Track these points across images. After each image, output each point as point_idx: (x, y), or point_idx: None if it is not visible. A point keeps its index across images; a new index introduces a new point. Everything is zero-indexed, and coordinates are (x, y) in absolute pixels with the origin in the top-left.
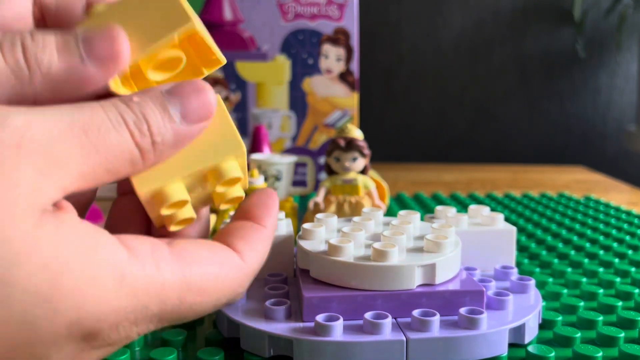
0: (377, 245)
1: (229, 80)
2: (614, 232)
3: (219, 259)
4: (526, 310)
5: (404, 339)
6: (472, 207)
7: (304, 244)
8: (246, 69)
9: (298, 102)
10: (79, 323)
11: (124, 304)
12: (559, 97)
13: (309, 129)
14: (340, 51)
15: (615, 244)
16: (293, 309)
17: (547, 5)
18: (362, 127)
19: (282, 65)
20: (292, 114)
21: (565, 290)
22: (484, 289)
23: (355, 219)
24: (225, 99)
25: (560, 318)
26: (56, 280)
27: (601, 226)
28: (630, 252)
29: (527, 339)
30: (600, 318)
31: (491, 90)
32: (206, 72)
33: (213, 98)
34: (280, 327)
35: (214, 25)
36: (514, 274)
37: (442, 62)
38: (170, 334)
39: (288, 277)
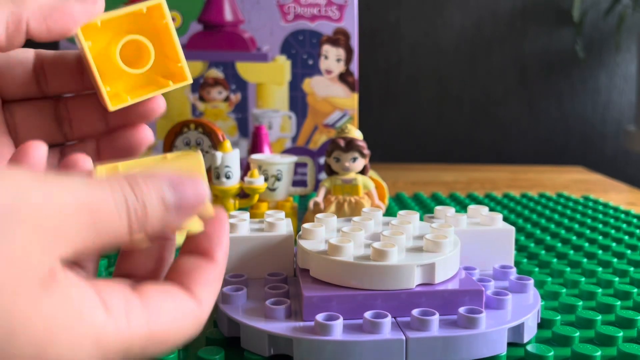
0: (376, 244)
1: (229, 81)
2: (612, 232)
3: (182, 311)
4: (525, 310)
5: (404, 338)
6: (472, 207)
7: (304, 243)
8: (246, 69)
9: (298, 102)
10: None
11: None
12: (558, 97)
13: (309, 129)
14: (340, 52)
15: (614, 244)
16: (293, 309)
17: (547, 5)
18: (362, 127)
19: (282, 65)
20: (292, 115)
21: (564, 290)
22: (483, 289)
23: (355, 218)
24: (226, 100)
25: (559, 317)
26: (44, 353)
27: (600, 226)
28: (629, 251)
29: (526, 338)
30: (599, 317)
31: (490, 90)
32: (172, 85)
33: (206, 193)
34: (280, 327)
35: (215, 26)
36: (513, 273)
37: (441, 62)
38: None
39: (288, 276)
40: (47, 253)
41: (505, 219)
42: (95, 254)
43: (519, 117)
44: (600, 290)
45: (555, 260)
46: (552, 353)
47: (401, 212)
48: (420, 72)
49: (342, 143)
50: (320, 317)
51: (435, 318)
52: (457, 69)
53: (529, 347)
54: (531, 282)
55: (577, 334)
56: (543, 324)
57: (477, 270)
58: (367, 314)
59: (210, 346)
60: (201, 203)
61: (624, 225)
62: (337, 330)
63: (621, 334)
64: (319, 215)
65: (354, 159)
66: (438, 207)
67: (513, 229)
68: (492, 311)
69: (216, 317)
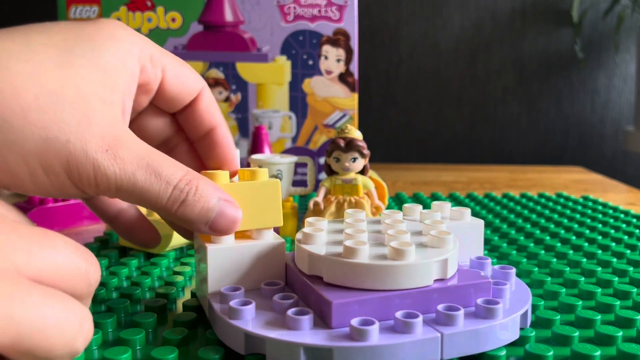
0: (394, 244)
1: (229, 81)
2: (612, 232)
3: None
4: (522, 297)
5: (439, 335)
6: (436, 204)
7: (312, 249)
8: (247, 69)
9: (298, 102)
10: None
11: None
12: (557, 97)
13: (309, 129)
14: (340, 52)
15: (613, 244)
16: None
17: (546, 6)
18: (362, 127)
19: (283, 66)
20: (292, 115)
21: (563, 290)
22: (491, 281)
23: (347, 220)
24: (226, 100)
25: (558, 317)
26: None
27: (599, 226)
28: (628, 251)
29: (528, 323)
30: (599, 317)
31: (490, 90)
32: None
33: (239, 217)
34: (313, 337)
35: (215, 27)
36: (489, 264)
37: (441, 63)
38: (170, 333)
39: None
40: None
41: (505, 219)
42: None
43: (518, 118)
44: (599, 290)
45: (554, 260)
46: (551, 353)
47: (386, 212)
48: (420, 72)
49: (342, 143)
50: (355, 322)
51: (461, 313)
52: (457, 69)
53: (529, 347)
54: (513, 270)
55: (577, 333)
56: (543, 324)
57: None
58: (399, 314)
59: (210, 346)
60: (228, 232)
61: (623, 225)
62: (374, 334)
63: (621, 333)
64: (309, 220)
65: (354, 159)
66: (406, 205)
67: (481, 222)
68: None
69: (220, 333)
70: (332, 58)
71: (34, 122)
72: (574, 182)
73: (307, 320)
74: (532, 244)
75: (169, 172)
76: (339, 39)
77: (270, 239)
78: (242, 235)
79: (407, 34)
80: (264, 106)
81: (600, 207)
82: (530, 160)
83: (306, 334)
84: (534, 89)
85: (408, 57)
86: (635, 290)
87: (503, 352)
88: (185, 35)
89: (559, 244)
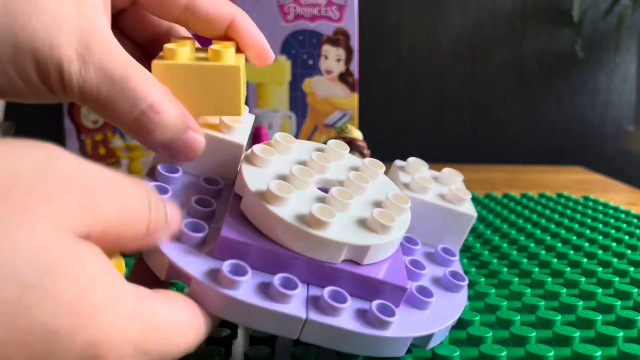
0: (315, 210)
1: None
2: (612, 232)
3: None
4: (441, 319)
5: (303, 317)
6: (447, 171)
7: (246, 170)
8: (246, 69)
9: (298, 102)
10: (94, 346)
11: (133, 336)
12: (557, 97)
13: (309, 129)
14: (340, 52)
15: (614, 244)
16: (210, 237)
17: (546, 6)
18: (362, 127)
19: (283, 65)
20: (292, 115)
21: (564, 290)
22: (408, 287)
23: (314, 155)
24: None
25: (559, 317)
26: (84, 296)
27: (600, 226)
28: (629, 252)
29: (431, 345)
30: (599, 317)
31: (490, 90)
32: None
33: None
34: (182, 257)
35: None
36: (453, 263)
37: (441, 62)
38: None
39: (225, 187)
40: (84, 217)
41: (506, 219)
42: (114, 244)
43: (518, 118)
44: (600, 290)
45: (555, 260)
46: (552, 353)
47: (367, 161)
48: (420, 72)
49: None
50: (227, 266)
51: (346, 306)
52: (457, 69)
53: (529, 347)
54: (465, 283)
55: (577, 334)
56: (543, 324)
57: (419, 247)
58: (277, 279)
59: (210, 346)
60: (186, 160)
61: (624, 225)
62: (243, 286)
63: (621, 334)
64: (277, 136)
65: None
66: (411, 160)
67: (474, 216)
68: (409, 310)
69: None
70: (332, 58)
71: (5, 29)
72: (575, 182)
73: (194, 237)
74: (532, 244)
75: (140, 93)
76: (339, 38)
77: (234, 136)
78: (210, 124)
79: (408, 34)
80: (264, 106)
81: (600, 207)
82: (531, 160)
83: (181, 251)
84: (534, 89)
85: (408, 57)
86: (636, 290)
87: (504, 353)
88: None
89: (559, 244)
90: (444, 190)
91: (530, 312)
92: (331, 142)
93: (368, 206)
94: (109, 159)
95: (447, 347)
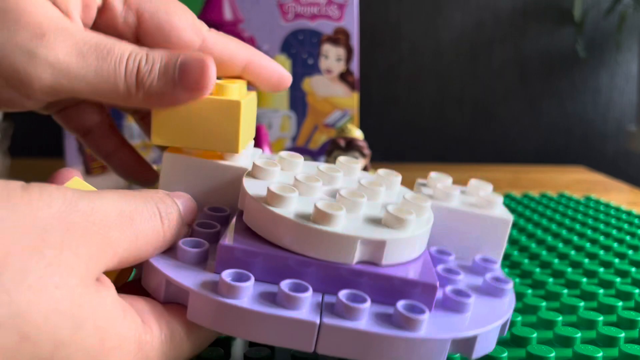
0: (320, 204)
1: None
2: (614, 232)
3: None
4: (485, 320)
5: (317, 322)
6: (474, 182)
7: (248, 183)
8: None
9: (298, 102)
10: None
11: None
12: (559, 97)
13: (309, 129)
14: (340, 51)
15: (615, 244)
16: (213, 254)
17: (547, 5)
18: (362, 127)
19: (282, 65)
20: (292, 114)
21: (565, 291)
22: (437, 284)
23: (322, 166)
24: None
25: (560, 318)
26: (103, 342)
27: (601, 226)
28: (630, 252)
29: (477, 354)
30: (601, 318)
31: (491, 90)
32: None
33: (207, 62)
34: (181, 273)
35: (214, 25)
36: (494, 270)
37: (442, 62)
38: None
39: (232, 214)
40: (101, 259)
41: None
42: (135, 262)
43: (519, 117)
44: (601, 290)
45: (556, 260)
46: (553, 354)
47: (381, 172)
48: (421, 71)
49: (342, 143)
50: (227, 274)
51: (364, 307)
52: (458, 68)
53: (530, 348)
54: (510, 285)
55: (579, 334)
56: (545, 325)
57: (453, 257)
58: (284, 284)
59: (210, 347)
60: (205, 81)
61: (626, 226)
62: (246, 294)
63: (623, 334)
64: (282, 154)
65: (355, 159)
66: (433, 174)
67: (510, 218)
68: (445, 314)
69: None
70: (332, 57)
71: None
72: (576, 182)
73: (193, 253)
74: (534, 245)
75: (119, 50)
76: (339, 37)
77: (239, 162)
78: (212, 155)
79: (408, 33)
80: (264, 106)
81: (602, 207)
82: (532, 159)
83: (180, 268)
84: (535, 88)
85: (409, 56)
86: (637, 291)
87: (505, 354)
88: None
89: (560, 245)
90: (472, 199)
91: (531, 313)
92: (342, 158)
93: (382, 208)
94: None
95: None
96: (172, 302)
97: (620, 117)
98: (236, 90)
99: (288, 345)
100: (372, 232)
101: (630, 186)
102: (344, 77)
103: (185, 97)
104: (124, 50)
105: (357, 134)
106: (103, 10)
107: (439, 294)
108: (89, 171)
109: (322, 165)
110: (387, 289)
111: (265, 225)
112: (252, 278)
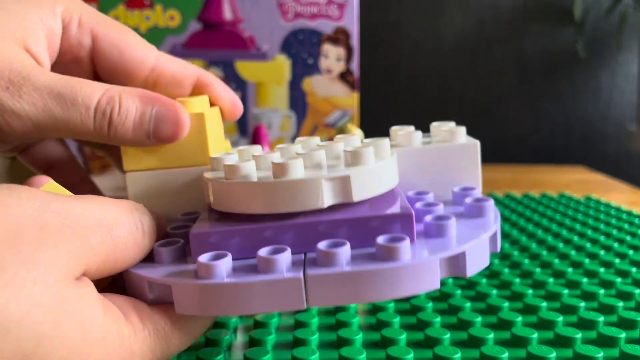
0: (276, 158)
1: (228, 80)
2: (614, 232)
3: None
4: (470, 236)
5: (301, 276)
6: (435, 124)
7: (208, 174)
8: (246, 68)
9: (298, 102)
10: None
11: (125, 358)
12: (559, 97)
13: (309, 128)
14: (340, 51)
15: (616, 244)
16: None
17: (548, 5)
18: (363, 127)
19: (282, 65)
20: (292, 114)
21: (565, 291)
22: (413, 213)
23: (281, 145)
24: None
25: (560, 318)
26: (85, 337)
27: (602, 226)
28: (631, 252)
29: (471, 270)
30: (601, 318)
31: (491, 90)
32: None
33: (182, 117)
34: (162, 271)
35: (214, 25)
36: (474, 195)
37: (442, 61)
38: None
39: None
40: (74, 259)
41: (507, 219)
42: (112, 271)
43: (520, 117)
44: (602, 291)
45: (557, 260)
46: (553, 354)
47: (339, 136)
48: (421, 71)
49: None
50: (204, 257)
51: (344, 250)
52: (458, 68)
53: (530, 349)
54: (490, 202)
55: (579, 335)
56: (545, 325)
57: (431, 195)
58: (262, 251)
59: (210, 347)
60: (177, 136)
61: (626, 226)
62: (221, 271)
63: (623, 335)
64: (241, 148)
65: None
66: (393, 127)
67: (477, 142)
68: (429, 240)
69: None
70: (332, 57)
71: None
72: (577, 182)
73: (167, 252)
74: (534, 245)
75: (85, 95)
76: (339, 37)
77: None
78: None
79: (408, 33)
80: (264, 105)
81: (602, 207)
82: (533, 160)
83: (160, 268)
84: (535, 88)
85: (409, 56)
86: (638, 291)
87: (505, 354)
88: (184, 33)
89: (561, 245)
90: (436, 138)
91: (531, 313)
92: (301, 138)
93: (340, 155)
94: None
95: (447, 348)
96: (159, 303)
97: (620, 117)
98: (198, 104)
99: (280, 309)
100: (335, 172)
101: (631, 186)
102: (344, 77)
103: (157, 144)
104: (91, 96)
105: (357, 133)
106: (63, 36)
107: (420, 226)
108: (88, 171)
109: (280, 145)
110: (365, 232)
111: (233, 201)
112: (229, 254)
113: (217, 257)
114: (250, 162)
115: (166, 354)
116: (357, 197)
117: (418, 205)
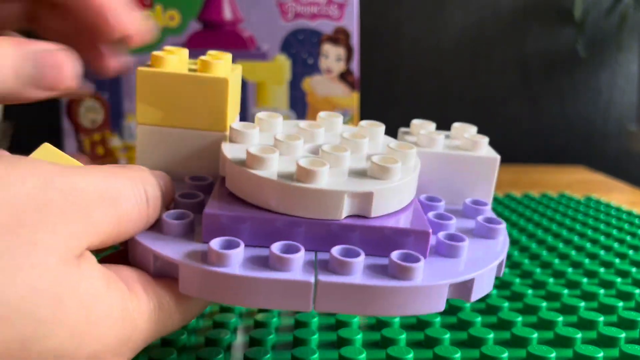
0: (303, 162)
1: None
2: (614, 232)
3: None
4: (480, 262)
5: (312, 281)
6: (457, 126)
7: (227, 148)
8: (246, 68)
9: (298, 102)
10: (95, 356)
11: (127, 334)
12: (559, 96)
13: None
14: (340, 51)
15: (616, 244)
16: (199, 225)
17: (548, 4)
18: None
19: (282, 65)
20: (292, 114)
21: (565, 291)
22: (430, 231)
23: (302, 124)
24: None
25: (560, 318)
26: (87, 317)
27: (602, 226)
28: (631, 252)
29: (475, 296)
30: (601, 318)
31: (491, 89)
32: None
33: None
34: (169, 246)
35: (214, 25)
36: (485, 212)
37: (442, 61)
38: (170, 334)
39: (215, 182)
40: (75, 238)
41: (507, 220)
42: (116, 242)
43: (520, 117)
44: (602, 291)
45: (557, 260)
46: (553, 354)
47: (363, 123)
48: (421, 71)
49: None
50: (216, 242)
51: (358, 261)
52: (458, 68)
53: (530, 349)
54: (503, 226)
55: (579, 335)
56: (545, 325)
57: (443, 203)
58: (275, 247)
59: (210, 347)
60: (64, 81)
61: (626, 226)
62: (233, 261)
63: (623, 335)
64: (260, 115)
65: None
66: (415, 121)
67: (497, 157)
68: (440, 259)
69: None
70: (332, 57)
71: None
72: (577, 182)
73: (178, 225)
74: (534, 245)
75: None
76: (339, 37)
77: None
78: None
79: (409, 33)
80: (264, 105)
81: (603, 207)
82: (533, 160)
83: (167, 242)
84: (536, 88)
85: (409, 56)
86: (638, 291)
87: (505, 354)
88: (184, 33)
89: (561, 245)
90: (457, 142)
91: (531, 313)
92: (322, 113)
93: (367, 160)
94: (108, 158)
95: (447, 348)
96: (162, 276)
97: (620, 117)
98: (222, 67)
99: (286, 307)
100: (359, 185)
101: (631, 186)
102: (344, 77)
103: (39, 95)
104: None
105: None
106: None
107: (433, 240)
108: None
109: (303, 123)
110: (379, 240)
111: (248, 190)
112: (242, 244)
113: (229, 245)
114: (274, 155)
115: (168, 329)
116: (375, 213)
117: (431, 215)
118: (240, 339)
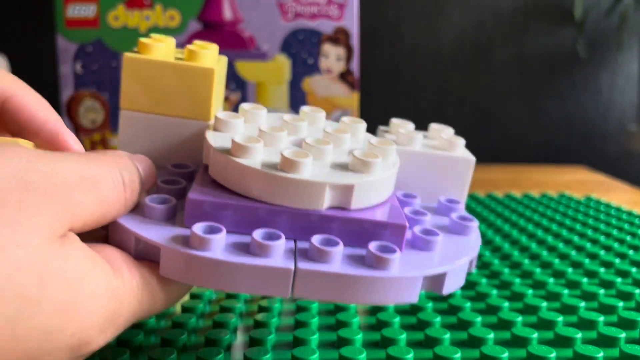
0: (287, 152)
1: (228, 80)
2: (614, 232)
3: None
4: (453, 256)
5: (292, 268)
6: (435, 126)
7: (211, 136)
8: (246, 68)
9: (298, 102)
10: (81, 332)
11: (111, 311)
12: (559, 96)
13: None
14: (340, 51)
15: (616, 244)
16: (182, 210)
17: (548, 4)
18: None
19: (282, 65)
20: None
21: (565, 291)
22: (407, 224)
23: (286, 116)
24: (225, 99)
25: (560, 318)
26: (74, 295)
27: (602, 226)
28: (631, 252)
29: (447, 289)
30: (601, 318)
31: (491, 90)
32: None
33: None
34: (151, 229)
35: (214, 25)
36: (458, 210)
37: (442, 61)
38: (170, 334)
39: (197, 171)
40: (58, 219)
41: (507, 220)
42: (100, 224)
43: (520, 117)
44: (602, 291)
45: (557, 260)
46: (553, 354)
47: (345, 119)
48: (421, 71)
49: None
50: (198, 227)
51: (337, 250)
52: (458, 68)
53: (530, 349)
54: (475, 224)
55: (579, 335)
56: (545, 325)
57: (418, 200)
58: (257, 233)
59: (210, 347)
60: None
61: (626, 226)
62: (215, 246)
63: (623, 335)
64: (244, 105)
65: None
66: (394, 120)
67: (473, 159)
68: (415, 252)
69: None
70: (332, 57)
71: None
72: (577, 182)
73: (160, 210)
74: (534, 245)
75: None
76: (339, 37)
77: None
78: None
79: (409, 33)
80: (263, 105)
81: (603, 208)
82: (533, 160)
83: (148, 225)
84: (536, 88)
85: (409, 56)
86: (638, 291)
87: (505, 354)
88: (184, 33)
89: (561, 245)
90: (434, 142)
91: (531, 313)
92: (305, 107)
93: (348, 154)
94: None
95: (447, 348)
96: (143, 259)
97: (620, 116)
98: (208, 57)
99: (265, 293)
100: (340, 178)
101: (631, 186)
102: (344, 77)
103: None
104: None
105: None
106: None
107: (408, 234)
108: None
109: (287, 116)
110: (358, 232)
111: (232, 178)
112: (224, 230)
113: (212, 230)
114: (259, 145)
115: (152, 309)
116: (355, 205)
117: (407, 210)
118: (240, 339)
